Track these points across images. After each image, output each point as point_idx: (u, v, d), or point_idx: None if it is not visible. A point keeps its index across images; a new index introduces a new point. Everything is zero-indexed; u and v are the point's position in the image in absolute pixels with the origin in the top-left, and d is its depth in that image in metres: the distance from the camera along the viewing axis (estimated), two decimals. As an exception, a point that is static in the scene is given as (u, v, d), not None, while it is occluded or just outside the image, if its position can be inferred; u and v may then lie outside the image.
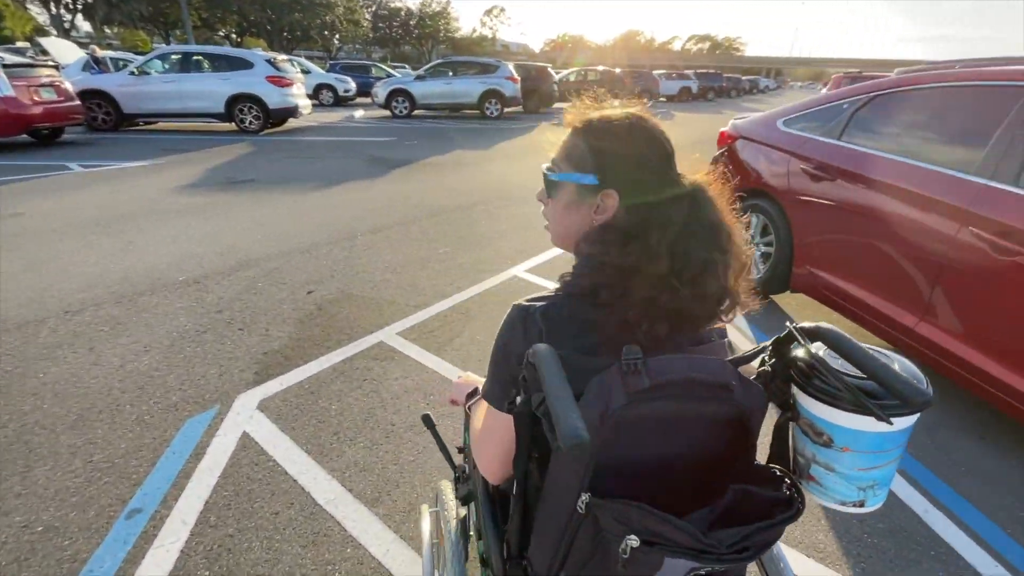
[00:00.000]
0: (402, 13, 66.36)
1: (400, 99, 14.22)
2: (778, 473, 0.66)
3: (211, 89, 9.77)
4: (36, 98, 7.37)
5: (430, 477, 1.81)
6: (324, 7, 46.33)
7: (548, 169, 0.81)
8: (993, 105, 2.19)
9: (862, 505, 0.64)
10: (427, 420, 1.13)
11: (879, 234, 2.51)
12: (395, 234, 4.38)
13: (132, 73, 9.63)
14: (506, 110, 14.93)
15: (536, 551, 0.69)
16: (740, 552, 0.56)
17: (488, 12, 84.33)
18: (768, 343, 0.70)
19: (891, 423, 0.57)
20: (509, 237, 4.48)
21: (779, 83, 74.53)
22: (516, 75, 14.74)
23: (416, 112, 14.56)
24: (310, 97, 17.98)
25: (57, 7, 37.93)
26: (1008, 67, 2.29)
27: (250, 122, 10.00)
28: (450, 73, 14.60)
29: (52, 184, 5.60)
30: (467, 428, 1.07)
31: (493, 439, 0.76)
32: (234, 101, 9.84)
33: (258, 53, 10.49)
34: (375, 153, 8.24)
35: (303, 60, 19.40)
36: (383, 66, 23.22)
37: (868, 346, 0.62)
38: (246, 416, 2.09)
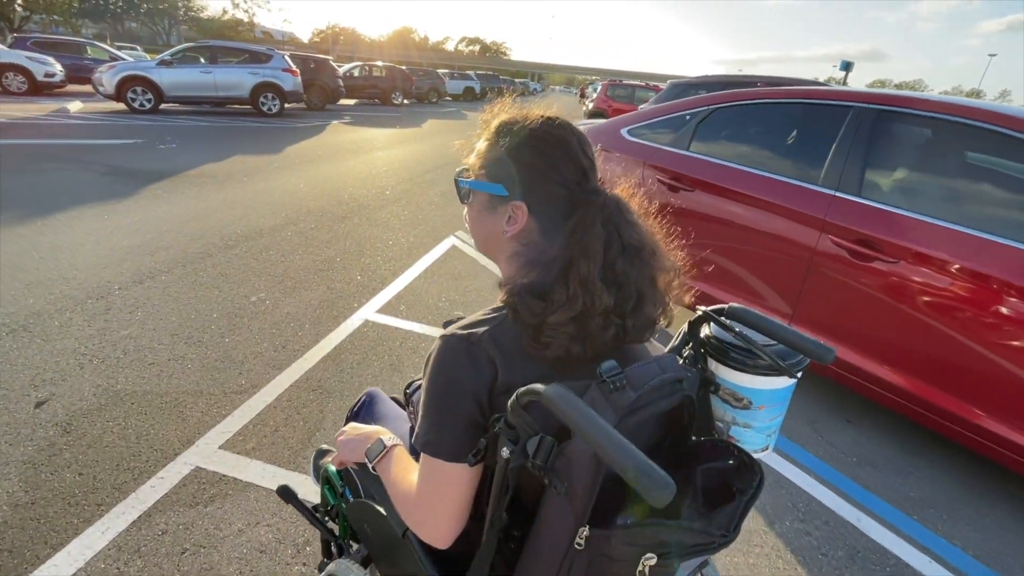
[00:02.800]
0: (121, -19, 53.68)
1: (140, 89, 11.21)
2: (719, 444, 0.69)
3: None
4: None
5: None
6: (-8, -40, 34.24)
7: (459, 174, 0.77)
8: (827, 121, 2.41)
9: (767, 449, 0.75)
10: (285, 491, 1.00)
11: (743, 242, 2.61)
12: (175, 280, 3.17)
13: None
14: (287, 106, 13.10)
15: None
16: (736, 529, 0.57)
17: (241, -8, 74.13)
18: (684, 328, 0.78)
19: (798, 377, 0.70)
20: (341, 266, 3.67)
21: (543, 86, 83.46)
22: (294, 67, 13.01)
23: (165, 106, 11.70)
24: (-14, 82, 13.13)
25: None
26: (835, 88, 2.58)
27: None
28: (203, 60, 12.09)
29: None
30: (332, 487, 1.02)
31: (445, 497, 0.66)
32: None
33: None
34: (115, 162, 6.17)
35: (-35, 29, 13.91)
36: (104, 46, 18.18)
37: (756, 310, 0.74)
38: None
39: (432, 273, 3.75)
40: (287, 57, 13.05)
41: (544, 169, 0.69)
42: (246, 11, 73.70)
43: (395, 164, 7.89)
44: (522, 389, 0.56)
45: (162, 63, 11.71)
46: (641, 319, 0.67)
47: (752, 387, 0.70)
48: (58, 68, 14.30)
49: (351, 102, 19.15)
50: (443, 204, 5.71)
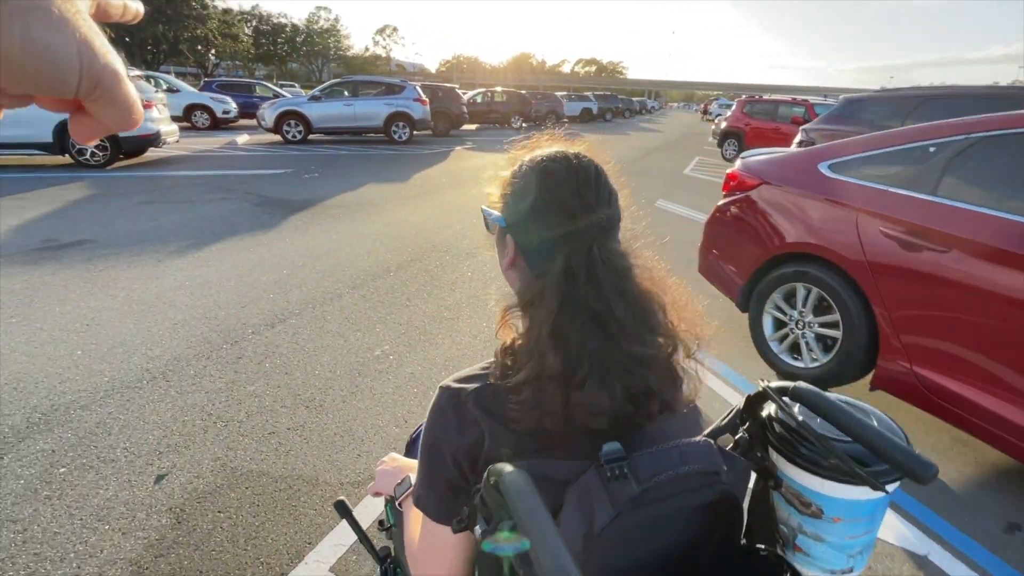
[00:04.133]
0: (287, 29, 62.51)
1: (292, 122, 12.45)
2: (771, 556, 0.61)
3: (34, 113, 7.44)
4: None
5: None
6: (194, 19, 41.80)
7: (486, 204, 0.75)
8: None
9: (851, 572, 0.60)
10: (341, 507, 0.93)
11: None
12: (305, 325, 3.07)
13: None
14: (415, 133, 13.77)
15: None
16: None
17: (380, 31, 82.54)
18: (740, 405, 0.63)
19: (888, 491, 0.54)
20: (467, 315, 3.36)
21: (660, 104, 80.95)
22: (424, 96, 13.65)
23: (312, 137, 12.87)
24: (180, 120, 15.59)
25: None
26: None
27: (92, 154, 7.85)
28: (350, 93, 13.14)
29: None
30: (395, 516, 0.92)
31: (436, 560, 0.62)
32: (67, 127, 7.65)
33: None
34: (266, 192, 6.67)
35: (169, 77, 16.76)
36: (269, 85, 20.87)
37: (843, 399, 0.58)
38: None
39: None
40: (418, 88, 13.74)
41: (527, 208, 0.63)
42: (384, 48, 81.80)
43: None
44: (492, 466, 0.49)
45: (312, 98, 12.93)
46: (632, 390, 0.56)
47: (822, 492, 0.56)
48: (233, 106, 16.59)
49: (472, 127, 19.79)
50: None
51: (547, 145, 0.70)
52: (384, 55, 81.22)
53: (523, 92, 22.49)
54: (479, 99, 20.76)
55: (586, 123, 27.52)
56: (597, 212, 0.62)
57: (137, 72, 9.05)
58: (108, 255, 4.05)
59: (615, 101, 34.30)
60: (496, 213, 0.68)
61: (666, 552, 0.58)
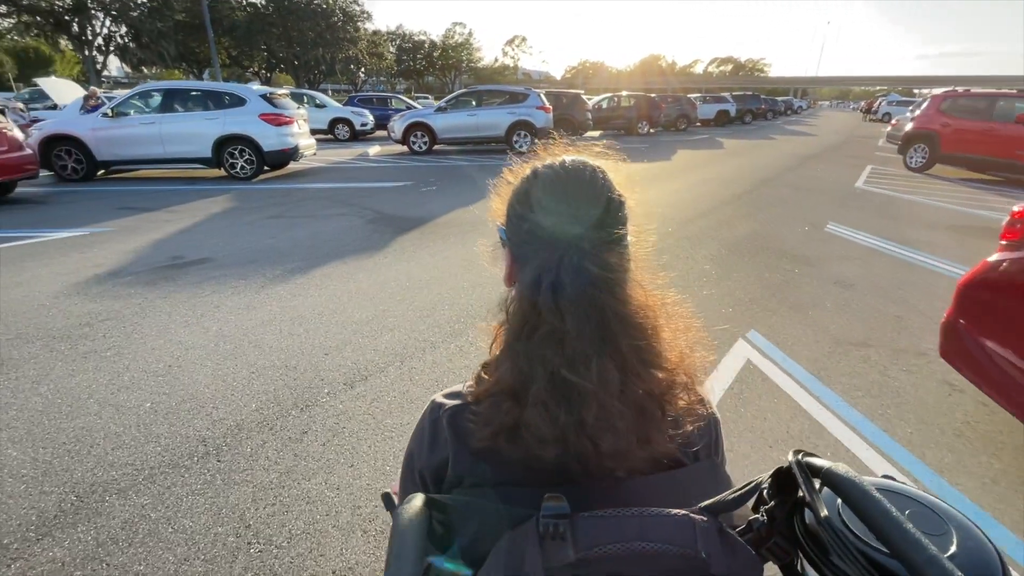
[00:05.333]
0: (426, 45, 66.93)
1: (419, 133, 12.70)
2: None
3: (197, 130, 8.31)
4: (-36, 150, 5.94)
5: None
6: (348, 42, 46.38)
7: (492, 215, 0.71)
8: None
9: None
10: (387, 499, 0.75)
11: None
12: (386, 387, 2.54)
13: (106, 115, 8.24)
14: (536, 142, 13.29)
15: None
16: None
17: (510, 42, 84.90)
18: (765, 478, 0.47)
19: None
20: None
21: (808, 103, 72.40)
22: (547, 104, 13.13)
23: (437, 147, 13.01)
24: (325, 132, 16.94)
25: (89, 49, 38.68)
26: None
27: (241, 167, 8.48)
28: (474, 103, 13.07)
29: (-73, 274, 4.00)
30: None
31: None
32: (223, 143, 8.37)
33: (252, 88, 9.05)
34: (382, 207, 6.53)
35: (318, 94, 18.31)
36: (403, 97, 22.04)
37: (911, 490, 0.43)
38: None
39: (721, 407, 2.36)
40: (542, 95, 13.25)
41: (515, 215, 0.58)
42: (512, 57, 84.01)
43: (647, 209, 6.67)
44: (435, 495, 0.48)
45: (439, 110, 13.09)
46: (595, 438, 0.48)
47: None
48: (370, 119, 17.66)
49: (595, 134, 18.90)
50: (719, 275, 4.23)
51: (560, 153, 0.62)
52: (512, 65, 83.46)
53: (652, 95, 21.01)
54: (604, 104, 19.81)
55: (722, 126, 25.11)
56: (579, 221, 0.53)
57: (282, 90, 9.71)
58: (219, 277, 3.97)
59: (756, 102, 30.83)
60: (500, 224, 0.61)
61: None
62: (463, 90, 14.19)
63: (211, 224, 5.65)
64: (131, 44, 39.74)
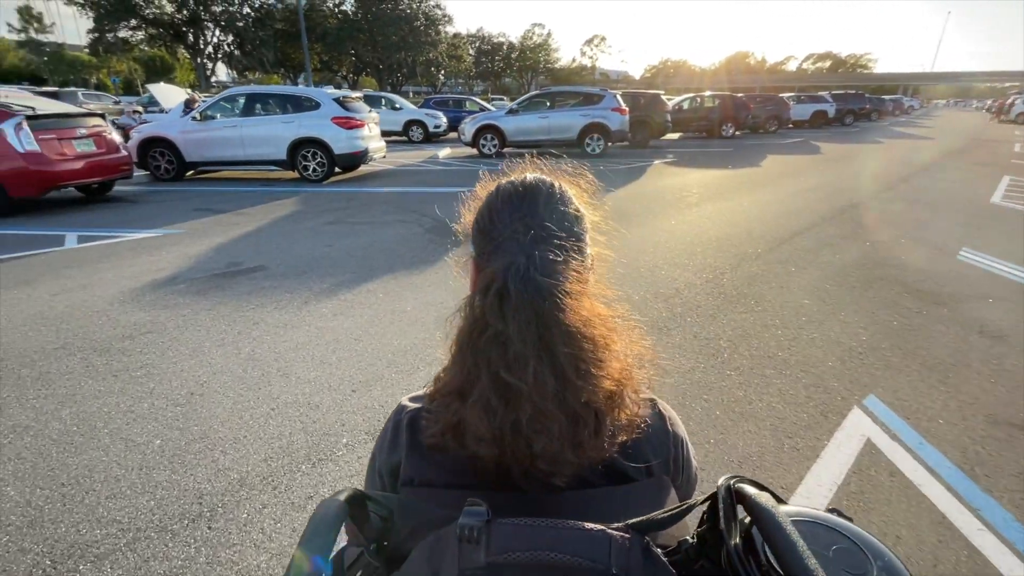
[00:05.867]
0: (504, 47, 67.51)
1: (489, 136, 12.48)
2: None
3: (273, 133, 8.57)
4: (67, 152, 6.39)
5: None
6: (429, 45, 47.65)
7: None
8: None
9: None
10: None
11: None
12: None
13: (195, 118, 8.71)
14: (610, 145, 12.64)
15: None
16: None
17: (588, 41, 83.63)
18: (701, 500, 0.50)
19: None
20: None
21: (921, 102, 65.06)
22: (624, 105, 12.44)
23: (508, 149, 12.75)
24: (400, 134, 17.26)
25: (201, 57, 42.60)
26: None
27: (313, 170, 8.64)
28: (548, 105, 12.65)
29: (20, 270, 4.21)
30: None
31: None
32: (297, 146, 8.56)
33: (326, 91, 9.22)
34: (443, 214, 6.29)
35: (395, 96, 18.70)
36: (477, 99, 22.07)
37: (845, 525, 0.44)
38: None
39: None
40: (618, 96, 12.58)
41: (477, 230, 0.61)
42: (590, 57, 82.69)
43: (730, 225, 5.93)
44: (369, 492, 0.51)
45: (510, 112, 12.80)
46: (529, 439, 0.49)
47: None
48: (443, 120, 17.78)
49: (674, 136, 17.83)
50: (822, 313, 3.51)
51: (526, 172, 0.65)
52: (590, 65, 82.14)
53: (738, 95, 19.52)
54: (686, 105, 18.65)
55: (818, 128, 22.91)
56: (529, 233, 0.55)
57: (356, 94, 9.83)
58: (267, 289, 3.85)
59: (859, 101, 27.86)
60: (468, 235, 0.64)
61: None
62: (535, 91, 13.83)
63: (274, 228, 5.66)
64: (236, 52, 43.31)
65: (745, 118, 18.88)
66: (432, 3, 47.34)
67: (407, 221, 5.98)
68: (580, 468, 0.51)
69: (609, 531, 0.44)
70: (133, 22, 38.50)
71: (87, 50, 43.51)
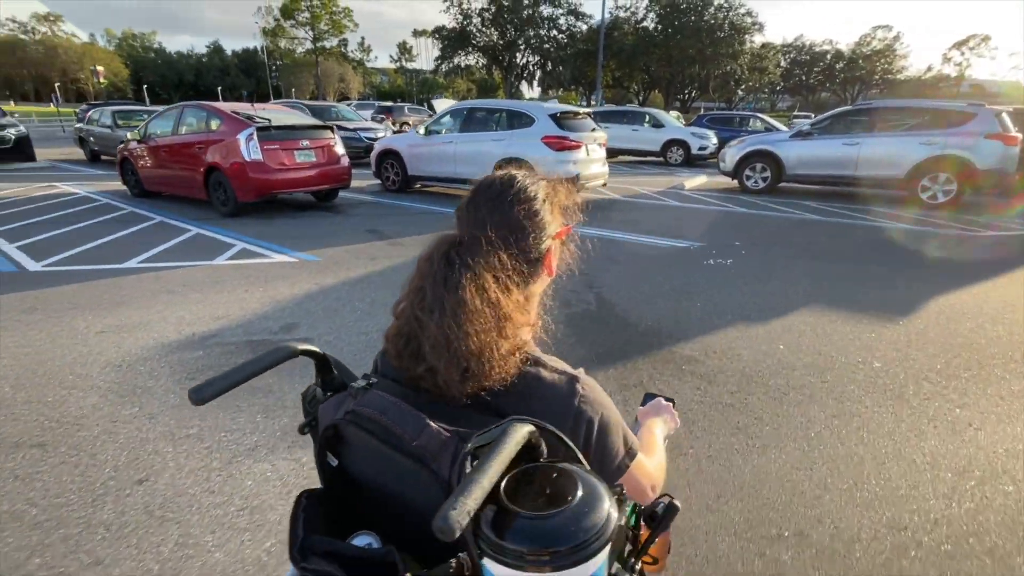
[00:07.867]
0: (828, 56, 56.72)
1: (758, 166, 9.35)
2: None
3: (482, 151, 7.76)
4: (286, 162, 6.70)
5: None
6: (728, 57, 43.12)
7: None
8: None
9: None
10: None
11: None
12: None
13: (419, 132, 8.60)
14: (963, 192, 7.92)
15: None
16: None
17: (961, 43, 63.29)
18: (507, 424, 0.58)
19: None
20: None
21: None
22: (1012, 128, 7.60)
23: (784, 184, 9.35)
24: (657, 155, 15.13)
25: (511, 76, 48.42)
26: None
27: (514, 195, 7.51)
28: (865, 125, 8.70)
29: (179, 280, 4.11)
30: None
31: None
32: (502, 166, 7.55)
33: (546, 106, 7.95)
34: (617, 287, 4.16)
35: (659, 112, 16.56)
36: (766, 117, 18.03)
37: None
38: None
39: None
40: (1003, 116, 7.74)
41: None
42: (958, 65, 62.49)
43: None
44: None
45: (798, 134, 9.33)
46: (430, 359, 0.70)
47: None
48: (711, 141, 14.84)
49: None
50: None
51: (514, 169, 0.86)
52: (957, 74, 62.02)
53: None
54: None
55: None
56: (472, 217, 0.77)
57: (583, 109, 8.30)
58: (286, 391, 2.59)
59: None
60: None
61: (385, 489, 0.70)
62: (847, 107, 9.82)
63: (399, 276, 4.57)
64: (538, 71, 47.79)
65: None
66: (743, 11, 42.60)
67: (563, 289, 4.07)
68: (453, 394, 0.69)
69: (432, 423, 0.64)
70: (470, 49, 46.29)
71: (431, 73, 54.72)
